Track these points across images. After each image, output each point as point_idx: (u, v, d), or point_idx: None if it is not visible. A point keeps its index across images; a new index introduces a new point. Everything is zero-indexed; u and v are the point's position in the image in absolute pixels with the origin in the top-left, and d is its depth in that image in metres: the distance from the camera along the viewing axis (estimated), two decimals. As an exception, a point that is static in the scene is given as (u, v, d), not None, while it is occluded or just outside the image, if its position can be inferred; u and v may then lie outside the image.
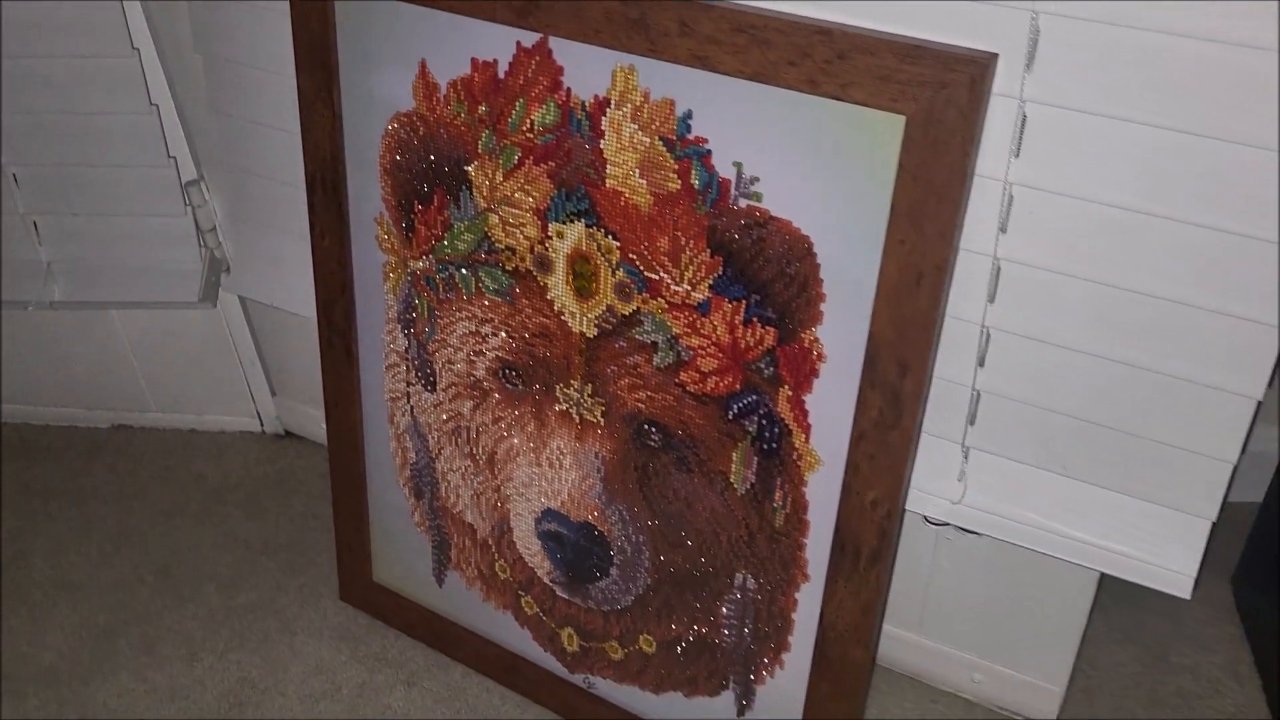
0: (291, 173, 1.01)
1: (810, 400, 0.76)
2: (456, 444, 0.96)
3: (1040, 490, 0.78)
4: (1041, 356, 0.72)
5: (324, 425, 1.18)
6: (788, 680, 0.87)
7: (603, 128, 0.76)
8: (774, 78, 0.68)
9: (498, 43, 0.78)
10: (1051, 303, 0.70)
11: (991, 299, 0.72)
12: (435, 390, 0.95)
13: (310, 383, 1.23)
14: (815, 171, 0.69)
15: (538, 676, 1.01)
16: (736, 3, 0.69)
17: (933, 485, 0.81)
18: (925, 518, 0.87)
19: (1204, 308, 0.65)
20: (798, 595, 0.83)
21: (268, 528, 1.21)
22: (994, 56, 0.63)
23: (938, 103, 0.63)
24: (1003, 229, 0.69)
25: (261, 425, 1.31)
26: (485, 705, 1.03)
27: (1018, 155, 0.66)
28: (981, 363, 0.75)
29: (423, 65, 0.82)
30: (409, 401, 0.97)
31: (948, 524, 0.84)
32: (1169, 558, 0.75)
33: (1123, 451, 0.73)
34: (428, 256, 0.89)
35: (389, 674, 1.06)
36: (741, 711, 0.91)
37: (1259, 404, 0.66)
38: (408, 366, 0.96)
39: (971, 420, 0.78)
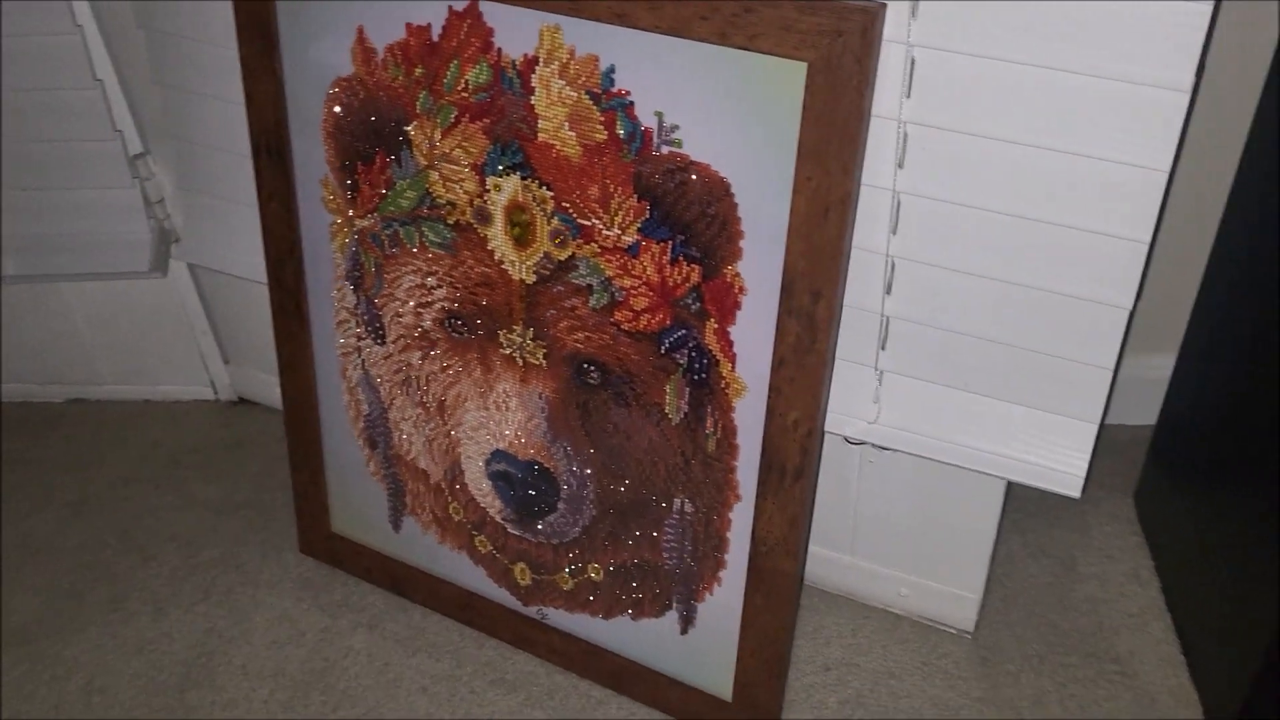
0: (236, 141, 1.05)
1: (734, 331, 0.83)
2: (407, 393, 1.01)
3: (947, 406, 0.85)
4: (940, 281, 0.80)
5: (278, 389, 1.22)
6: (726, 596, 0.94)
7: (533, 84, 0.82)
8: (688, 31, 0.74)
9: (430, 8, 0.83)
10: (946, 231, 0.77)
11: (894, 230, 0.79)
12: (385, 343, 1.00)
13: (262, 348, 1.28)
14: (729, 118, 0.76)
15: (493, 612, 1.07)
16: (651, -37, 0.75)
17: (851, 408, 0.88)
18: (846, 439, 0.94)
19: (1079, 228, 0.73)
20: (731, 515, 0.90)
21: (225, 489, 1.25)
22: (883, 6, 0.69)
23: (835, 50, 0.70)
24: (900, 165, 0.75)
25: (215, 393, 1.35)
26: (445, 642, 1.08)
27: (909, 96, 0.73)
28: (889, 290, 0.82)
29: (360, 31, 0.87)
30: (360, 355, 1.03)
31: (866, 443, 0.91)
32: (1061, 461, 0.83)
33: (1016, 365, 0.81)
34: (372, 215, 0.94)
35: (350, 618, 1.11)
36: (685, 629, 0.98)
37: (1131, 313, 0.74)
38: (357, 321, 1.01)
39: (883, 345, 0.85)
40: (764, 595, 0.91)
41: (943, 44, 0.70)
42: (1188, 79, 0.65)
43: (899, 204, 0.78)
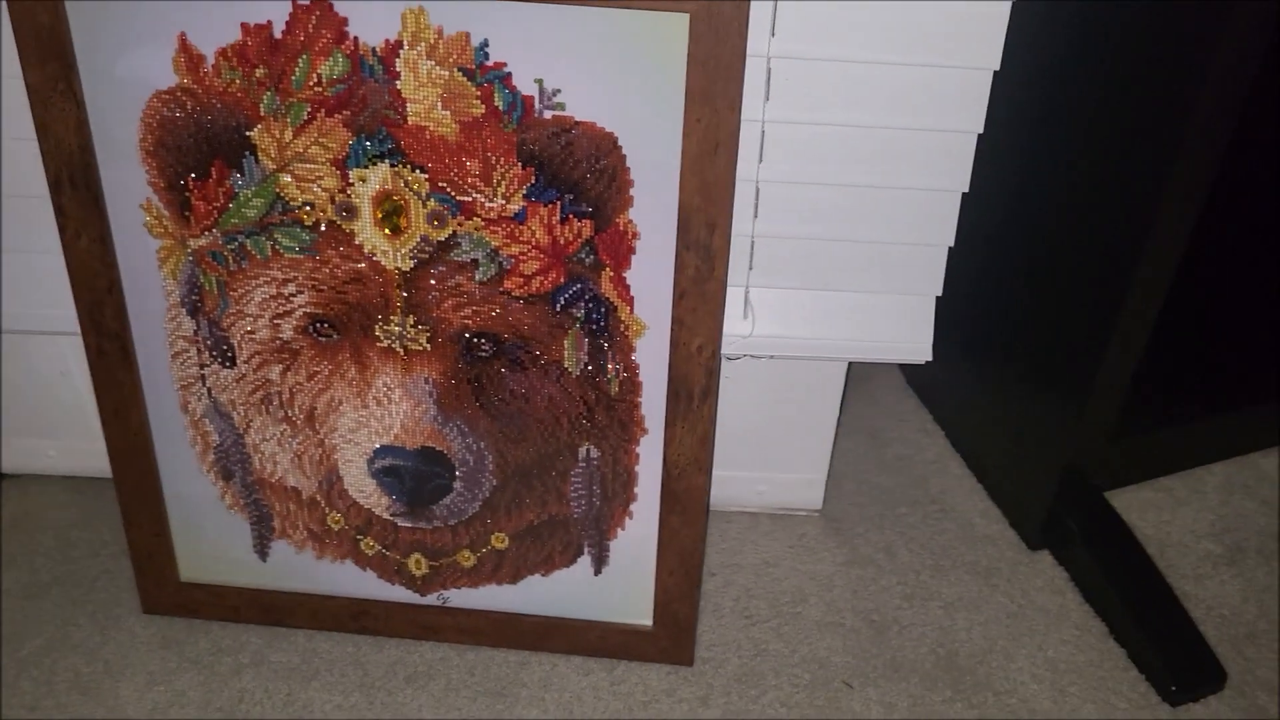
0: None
1: (630, 275, 0.88)
2: (268, 412, 0.97)
3: (808, 309, 0.96)
4: (800, 195, 0.90)
5: (48, 455, 1.12)
6: (638, 526, 1.00)
7: (398, 69, 0.82)
8: (568, -2, 0.78)
9: (268, 5, 0.80)
10: (808, 151, 0.87)
11: (760, 158, 0.88)
12: (235, 365, 0.95)
13: (25, 412, 1.15)
14: (613, 74, 0.80)
15: (389, 612, 1.06)
16: (521, -65, 0.77)
17: (726, 328, 0.97)
18: (725, 356, 1.02)
19: (920, 128, 0.85)
20: (638, 449, 0.96)
21: (23, 573, 1.12)
22: (755, -47, 0.77)
23: (716, -2, 0.77)
24: (767, 98, 0.84)
25: (-33, 473, 1.20)
26: (342, 655, 1.06)
27: (774, 34, 0.81)
28: (756, 214, 0.91)
29: (182, 39, 0.82)
30: (204, 384, 0.97)
31: (743, 356, 1.00)
32: (913, 335, 0.96)
33: (868, 258, 0.93)
34: (211, 231, 0.89)
35: (229, 661, 1.05)
36: (599, 569, 1.03)
37: (963, 195, 0.88)
38: (199, 349, 0.95)
39: (750, 265, 0.94)
40: (679, 514, 0.98)
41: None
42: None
43: (764, 133, 0.86)
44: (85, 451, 1.18)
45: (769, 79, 0.84)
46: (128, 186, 0.88)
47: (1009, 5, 0.78)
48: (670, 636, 1.04)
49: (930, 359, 0.97)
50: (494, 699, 1.02)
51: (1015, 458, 1.17)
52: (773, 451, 1.14)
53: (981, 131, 0.84)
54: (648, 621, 1.04)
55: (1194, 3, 0.84)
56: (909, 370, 1.36)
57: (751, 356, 1.00)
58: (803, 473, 1.16)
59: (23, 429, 1.17)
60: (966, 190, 0.87)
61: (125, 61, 0.83)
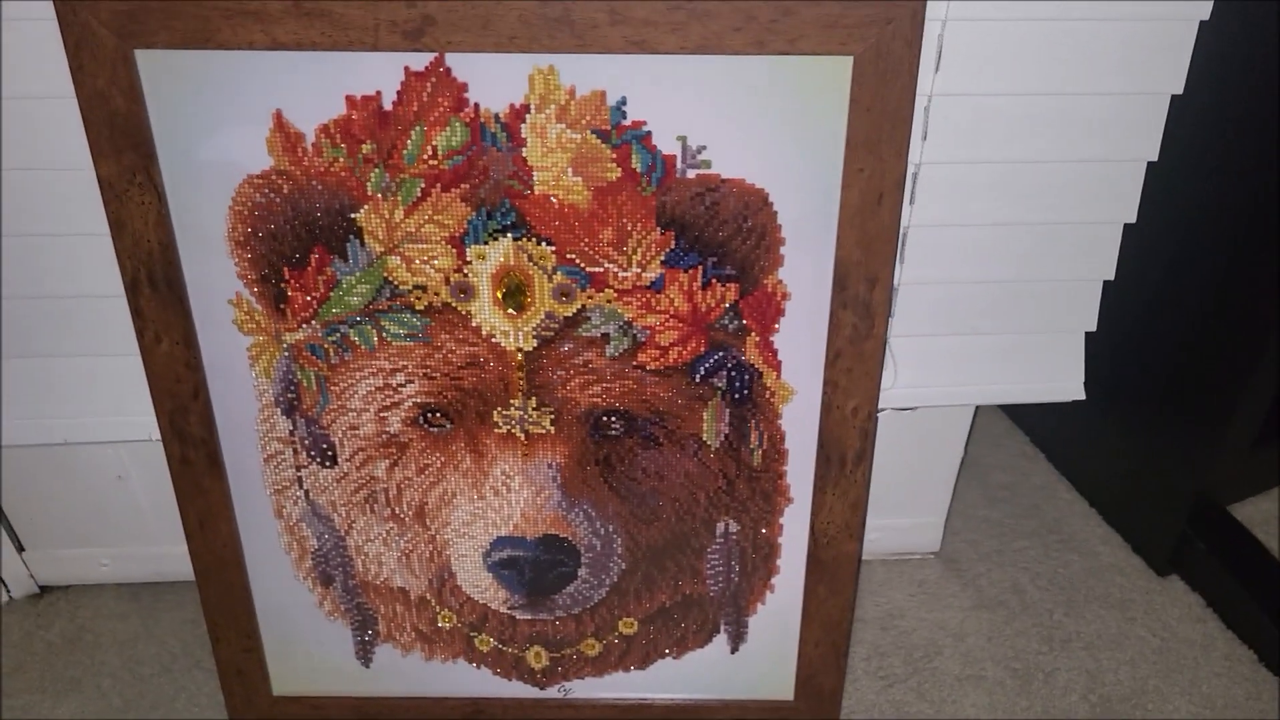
0: (57, 285, 0.85)
1: (778, 339, 0.81)
2: (373, 511, 0.88)
3: (955, 353, 0.90)
4: (951, 238, 0.83)
5: (92, 565, 1.04)
6: (779, 598, 0.92)
7: (523, 135, 0.73)
8: (719, 47, 0.70)
9: (378, 73, 0.71)
10: (960, 189, 0.80)
11: (911, 200, 0.80)
12: (337, 464, 0.86)
13: (68, 523, 1.05)
14: (764, 126, 0.73)
15: (505, 709, 0.98)
16: (665, -19, 0.69)
17: (865, 380, 0.90)
18: (859, 412, 0.95)
19: (1083, 159, 0.79)
20: (782, 520, 0.89)
21: (91, 699, 1.02)
22: (927, -13, 0.70)
23: (884, 38, 0.69)
24: (924, 136, 0.77)
25: (8, 592, 1.09)
26: (459, 761, 0.97)
27: (937, 70, 0.74)
28: (901, 260, 0.84)
29: (278, 116, 0.73)
30: (302, 487, 0.87)
31: (886, 410, 0.93)
32: (1064, 373, 0.90)
33: (1020, 298, 0.86)
34: (309, 323, 0.80)
35: (338, 780, 0.96)
36: (736, 647, 0.95)
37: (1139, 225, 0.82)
38: (295, 449, 0.86)
39: (890, 313, 0.87)
40: (827, 584, 0.91)
41: (970, 15, 0.72)
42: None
43: (917, 174, 0.79)
44: (142, 557, 1.08)
45: (926, 116, 0.76)
46: (213, 281, 0.79)
47: (1197, 23, 0.72)
48: (813, 709, 0.97)
49: (1084, 397, 0.91)
50: (632, 795, 0.95)
51: (1139, 480, 1.12)
52: (891, 496, 1.07)
53: (1156, 159, 0.78)
54: (789, 696, 0.97)
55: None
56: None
57: (895, 409, 0.94)
58: (921, 516, 1.09)
59: (72, 540, 1.06)
60: (1133, 220, 0.81)
61: (212, 145, 0.73)
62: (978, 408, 1.23)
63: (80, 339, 0.88)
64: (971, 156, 0.78)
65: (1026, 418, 1.26)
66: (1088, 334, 0.92)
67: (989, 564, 1.13)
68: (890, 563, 1.13)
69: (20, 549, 1.07)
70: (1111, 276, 0.85)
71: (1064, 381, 0.91)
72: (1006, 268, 0.84)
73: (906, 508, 1.08)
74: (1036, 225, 0.82)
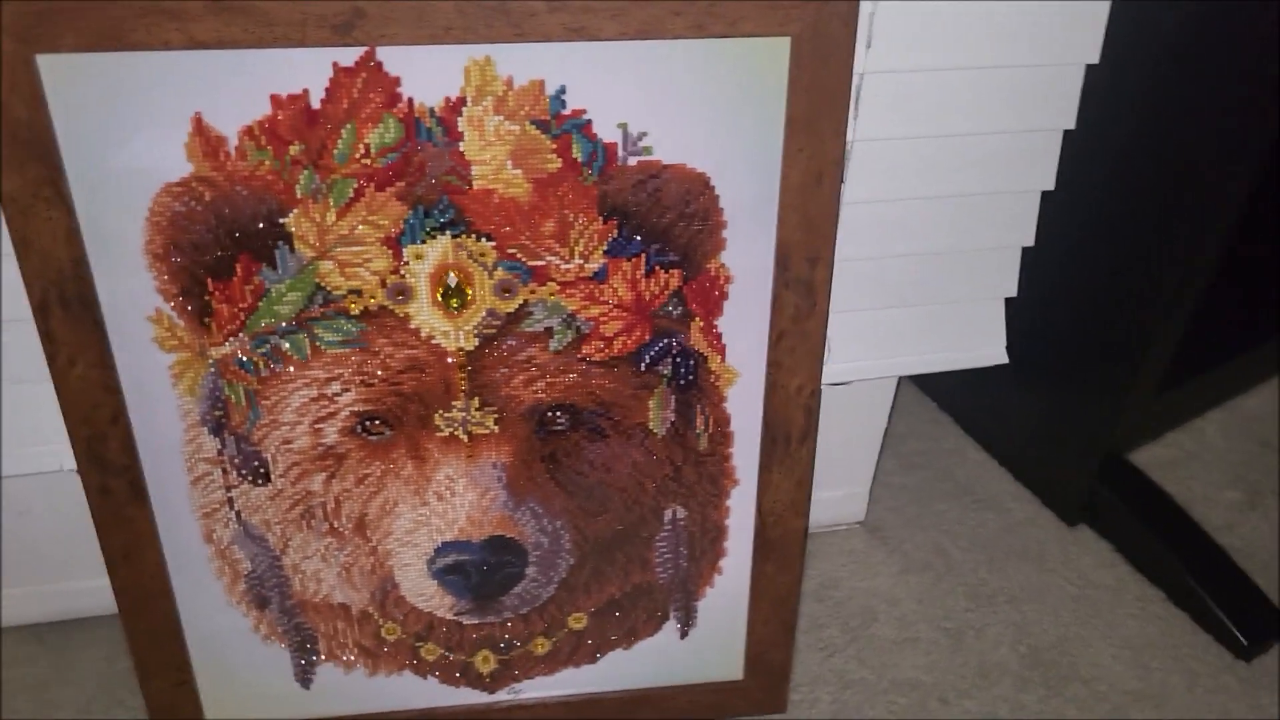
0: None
1: (721, 322, 0.81)
2: (310, 527, 0.85)
3: (884, 327, 0.91)
4: (879, 214, 0.84)
5: (32, 602, 0.98)
6: (728, 580, 0.93)
7: (460, 129, 0.71)
8: (659, 32, 0.69)
9: (305, 70, 0.68)
10: (891, 166, 0.81)
11: (842, 179, 0.81)
12: (270, 481, 0.82)
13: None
14: (705, 110, 0.72)
15: (454, 717, 0.96)
16: (604, -34, 0.68)
17: (799, 358, 0.91)
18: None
19: (1004, 131, 0.81)
20: (729, 503, 0.89)
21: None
22: (861, -35, 0.70)
23: (822, 17, 0.69)
24: (854, 115, 0.78)
25: (-106, 648, 1.01)
26: (410, 776, 0.95)
27: (869, 47, 0.75)
28: (833, 237, 0.85)
29: (198, 120, 0.69)
30: (233, 508, 0.83)
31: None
32: (987, 339, 0.93)
33: (945, 268, 0.88)
34: (237, 336, 0.76)
35: (284, 809, 0.92)
36: (685, 633, 0.95)
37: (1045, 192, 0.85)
38: (224, 469, 0.82)
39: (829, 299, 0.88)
40: (774, 562, 0.92)
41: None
42: None
43: (850, 151, 0.80)
44: (46, 595, 1.01)
45: (858, 96, 0.77)
46: (130, 298, 0.74)
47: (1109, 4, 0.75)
48: (764, 687, 0.98)
49: (1007, 360, 0.94)
50: (591, 791, 0.94)
51: (1046, 438, 1.16)
52: (820, 470, 1.08)
53: (1072, 127, 0.81)
54: (738, 675, 0.98)
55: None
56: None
57: (829, 385, 0.95)
58: (846, 488, 1.11)
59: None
60: (1051, 187, 0.84)
61: (125, 153, 0.69)
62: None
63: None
64: (900, 133, 0.80)
65: (934, 386, 1.30)
66: (999, 299, 0.95)
67: (912, 529, 1.16)
68: (819, 535, 1.15)
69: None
70: (1031, 242, 0.87)
71: (987, 347, 0.93)
72: (932, 239, 0.86)
73: (834, 480, 1.10)
74: (961, 197, 0.84)
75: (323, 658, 0.91)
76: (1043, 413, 1.16)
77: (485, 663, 0.94)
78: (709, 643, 0.96)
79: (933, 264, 0.88)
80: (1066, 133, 0.82)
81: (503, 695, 0.96)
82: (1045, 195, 0.86)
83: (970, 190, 0.84)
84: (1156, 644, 1.06)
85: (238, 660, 0.90)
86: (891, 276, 0.88)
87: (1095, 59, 0.77)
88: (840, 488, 1.11)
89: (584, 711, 0.97)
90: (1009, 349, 0.95)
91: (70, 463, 0.83)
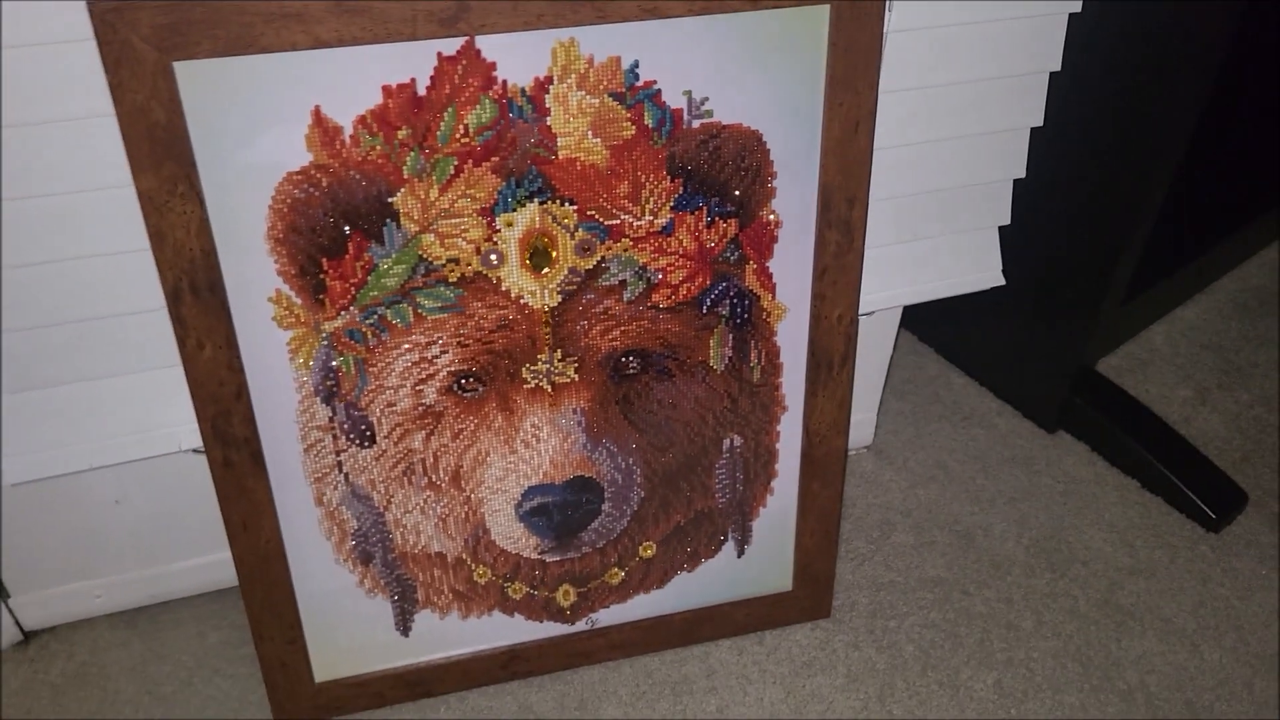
0: (60, 310, 0.84)
1: (772, 264, 0.91)
2: (410, 482, 0.92)
3: (894, 258, 1.03)
4: (890, 158, 0.95)
5: (82, 601, 1.04)
6: (778, 500, 1.03)
7: (547, 105, 0.80)
8: (720, 7, 0.79)
9: (411, 60, 0.76)
10: (902, 115, 0.93)
11: (869, 128, 0.92)
12: (375, 443, 0.90)
13: (55, 562, 1.02)
14: (758, 74, 0.82)
15: (539, 650, 1.04)
16: (672, -48, 0.77)
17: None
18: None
19: (996, 76, 0.93)
20: (779, 428, 0.99)
21: (114, 728, 1.01)
22: (887, -60, 0.81)
23: (857, -14, 0.80)
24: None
25: (-5, 642, 1.05)
26: (500, 706, 1.03)
27: (891, 10, 0.86)
28: (856, 181, 0.96)
29: (317, 112, 0.76)
30: (341, 471, 0.91)
31: (846, 317, 1.05)
32: (986, 263, 1.05)
33: (948, 203, 1.00)
34: (348, 310, 0.84)
35: (392, 749, 1.01)
36: (742, 551, 1.06)
37: (1034, 128, 0.97)
38: (334, 435, 0.89)
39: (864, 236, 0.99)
40: (819, 479, 1.02)
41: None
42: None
43: (871, 105, 0.91)
44: (136, 582, 1.07)
45: (881, 55, 0.88)
46: (253, 281, 0.81)
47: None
48: (810, 595, 1.09)
49: (1004, 282, 1.06)
50: (670, 702, 1.04)
51: (1020, 357, 1.30)
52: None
53: (1058, 69, 0.93)
54: (788, 586, 1.08)
55: None
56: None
57: (854, 316, 1.06)
58: (857, 415, 1.23)
59: (62, 577, 1.04)
60: (1039, 124, 0.96)
61: (252, 148, 0.76)
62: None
63: (85, 363, 0.87)
64: (912, 84, 0.91)
65: (914, 320, 1.42)
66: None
67: (913, 449, 1.28)
68: (832, 461, 1.26)
69: (5, 596, 1.03)
70: (1022, 174, 1.00)
71: (985, 272, 1.05)
72: (937, 177, 0.98)
73: (844, 408, 1.21)
74: (960, 138, 0.96)
75: (420, 605, 0.99)
76: (1017, 335, 1.29)
77: (566, 596, 1.03)
78: (762, 558, 1.06)
79: (936, 200, 0.99)
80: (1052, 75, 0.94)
81: (581, 625, 1.05)
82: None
83: (969, 131, 0.95)
84: (1138, 525, 1.20)
85: (344, 615, 0.98)
86: (902, 213, 0.99)
87: (1078, 8, 0.89)
88: (853, 415, 1.22)
89: (654, 633, 1.07)
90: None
91: (188, 442, 0.90)
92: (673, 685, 1.05)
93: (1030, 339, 1.28)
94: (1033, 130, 0.97)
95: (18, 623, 1.05)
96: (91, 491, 0.98)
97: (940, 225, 1.02)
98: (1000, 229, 1.04)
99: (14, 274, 0.80)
